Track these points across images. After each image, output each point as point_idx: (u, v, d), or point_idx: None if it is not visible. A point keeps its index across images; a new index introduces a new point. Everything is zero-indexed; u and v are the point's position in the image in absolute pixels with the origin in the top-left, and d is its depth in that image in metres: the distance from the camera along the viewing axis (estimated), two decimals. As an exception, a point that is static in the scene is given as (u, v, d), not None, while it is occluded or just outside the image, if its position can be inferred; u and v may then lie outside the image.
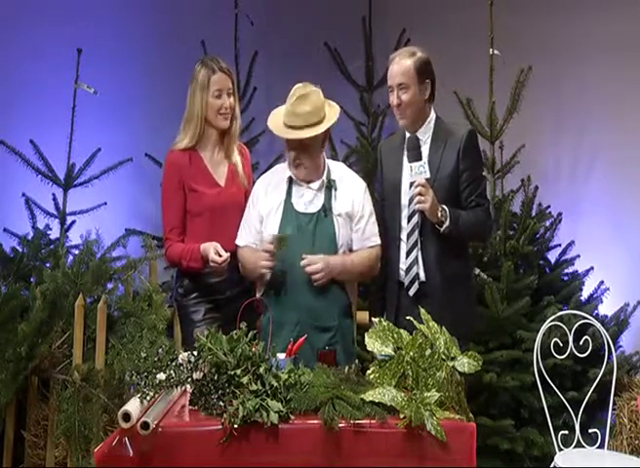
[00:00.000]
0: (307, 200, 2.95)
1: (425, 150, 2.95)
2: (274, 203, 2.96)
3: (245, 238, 3.02)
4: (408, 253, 2.94)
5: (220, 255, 2.90)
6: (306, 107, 2.85)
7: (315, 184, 2.97)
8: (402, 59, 2.94)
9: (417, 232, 2.93)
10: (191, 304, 3.07)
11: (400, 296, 2.98)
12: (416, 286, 2.92)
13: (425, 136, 2.99)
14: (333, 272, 2.88)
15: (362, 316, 3.17)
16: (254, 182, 3.14)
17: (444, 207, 2.85)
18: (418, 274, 2.92)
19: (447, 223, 2.84)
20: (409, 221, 2.95)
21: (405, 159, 2.96)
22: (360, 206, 2.98)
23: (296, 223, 2.91)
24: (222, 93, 3.04)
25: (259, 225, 2.98)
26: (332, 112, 2.93)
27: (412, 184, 2.89)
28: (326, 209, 2.93)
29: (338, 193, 2.96)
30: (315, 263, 2.85)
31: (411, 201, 2.92)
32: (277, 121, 2.91)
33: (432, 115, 3.01)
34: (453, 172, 2.93)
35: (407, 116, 2.95)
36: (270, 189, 3.00)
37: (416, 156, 2.89)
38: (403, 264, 2.96)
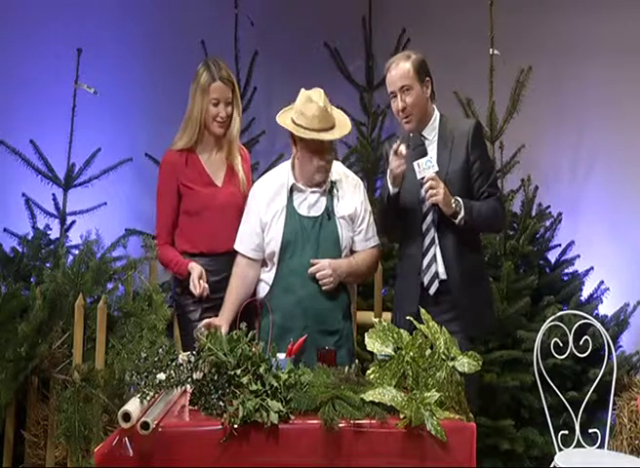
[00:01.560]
0: (310, 203, 2.94)
1: (434, 148, 2.95)
2: (277, 208, 2.94)
3: (245, 244, 3.00)
4: (426, 252, 2.93)
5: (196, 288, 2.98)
6: (329, 107, 2.87)
7: (319, 188, 2.96)
8: (399, 64, 2.94)
9: (433, 230, 2.92)
10: (189, 303, 3.08)
11: (422, 293, 2.94)
12: (436, 284, 2.91)
13: (432, 134, 2.99)
14: (341, 276, 2.89)
15: (367, 316, 3.17)
16: (253, 182, 3.14)
17: (457, 198, 2.84)
18: (437, 272, 2.91)
19: (462, 214, 2.84)
20: (424, 220, 2.94)
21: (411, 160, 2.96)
22: (362, 207, 2.99)
23: (299, 227, 2.91)
24: (220, 102, 3.05)
25: (260, 232, 2.96)
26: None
27: (422, 182, 2.87)
28: (329, 212, 2.92)
29: (339, 195, 2.96)
30: (323, 269, 2.85)
31: (424, 199, 2.90)
32: (297, 126, 2.84)
33: (436, 113, 3.01)
34: (463, 165, 2.93)
35: (413, 118, 2.94)
36: (272, 195, 2.97)
37: (421, 153, 2.90)
38: (422, 262, 2.94)
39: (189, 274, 3.02)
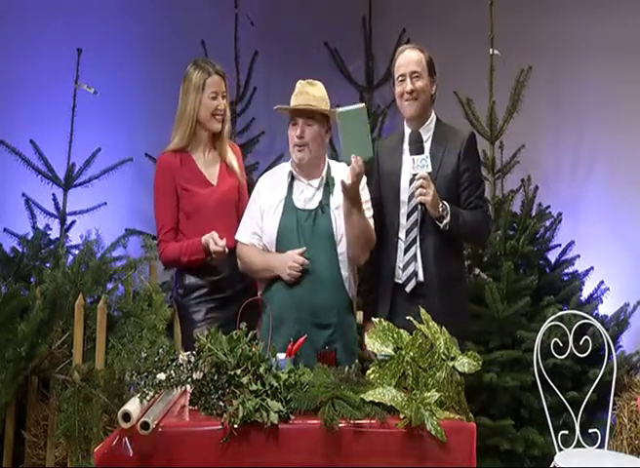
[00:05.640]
0: (307, 197, 2.96)
1: (426, 150, 2.95)
2: (275, 199, 2.96)
3: (247, 234, 3.01)
4: (406, 250, 2.93)
5: (218, 243, 2.93)
6: (316, 92, 2.91)
7: (315, 182, 2.97)
8: (413, 51, 2.97)
9: (416, 229, 2.93)
10: (192, 304, 3.07)
11: (395, 295, 2.97)
12: (413, 283, 2.92)
13: (426, 136, 2.99)
14: (354, 199, 2.81)
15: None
16: (251, 179, 3.16)
17: (445, 202, 2.85)
18: (415, 271, 2.92)
19: (447, 219, 2.84)
20: (408, 218, 2.94)
21: (404, 156, 2.97)
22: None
23: (295, 219, 2.92)
24: (218, 95, 3.06)
25: (260, 221, 2.98)
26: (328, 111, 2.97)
27: (412, 178, 2.88)
28: (323, 205, 2.93)
29: (335, 188, 2.97)
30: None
31: (411, 197, 2.91)
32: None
33: (433, 116, 3.02)
34: (453, 173, 2.93)
35: (418, 104, 2.95)
36: (272, 186, 3.00)
37: (418, 149, 2.89)
38: (400, 262, 2.95)
39: (207, 253, 2.97)
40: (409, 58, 2.95)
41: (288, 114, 2.96)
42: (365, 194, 2.93)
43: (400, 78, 2.97)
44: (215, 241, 2.93)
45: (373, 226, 2.93)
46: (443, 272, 2.91)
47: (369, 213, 2.94)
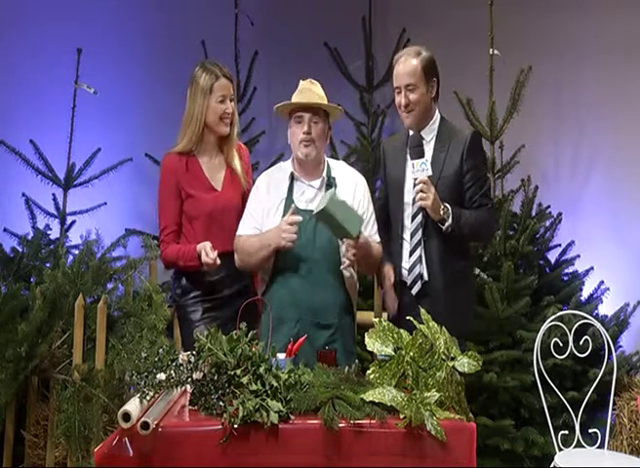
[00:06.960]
0: (309, 197, 2.96)
1: (430, 150, 2.94)
2: (276, 200, 2.96)
3: (247, 229, 3.00)
4: (411, 252, 2.94)
5: (209, 255, 2.92)
6: (319, 91, 2.96)
7: (316, 182, 2.97)
8: (408, 59, 2.93)
9: (420, 231, 2.92)
10: (190, 304, 3.07)
11: (402, 296, 2.98)
12: (419, 285, 2.92)
13: (430, 136, 2.98)
14: (365, 255, 2.88)
15: (366, 316, 3.17)
16: (254, 181, 3.15)
17: (446, 205, 2.84)
18: (421, 273, 2.92)
19: (449, 221, 2.83)
20: (413, 220, 2.94)
21: (407, 158, 2.96)
22: (362, 202, 2.99)
23: None
24: (226, 98, 3.05)
25: (260, 218, 2.97)
26: (334, 108, 2.99)
27: (414, 182, 2.88)
28: None
29: (338, 190, 2.96)
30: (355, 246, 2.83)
31: (414, 199, 2.92)
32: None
33: (437, 115, 3.00)
34: (456, 172, 2.92)
35: (413, 115, 2.94)
36: (273, 185, 3.00)
37: (418, 153, 2.89)
38: (406, 263, 2.95)
39: (200, 261, 2.97)
40: (403, 70, 2.92)
41: (286, 114, 2.97)
42: (371, 217, 3.01)
43: (396, 90, 2.96)
44: (206, 252, 2.93)
45: (380, 247, 3.00)
46: (448, 272, 2.91)
47: (377, 237, 3.01)
